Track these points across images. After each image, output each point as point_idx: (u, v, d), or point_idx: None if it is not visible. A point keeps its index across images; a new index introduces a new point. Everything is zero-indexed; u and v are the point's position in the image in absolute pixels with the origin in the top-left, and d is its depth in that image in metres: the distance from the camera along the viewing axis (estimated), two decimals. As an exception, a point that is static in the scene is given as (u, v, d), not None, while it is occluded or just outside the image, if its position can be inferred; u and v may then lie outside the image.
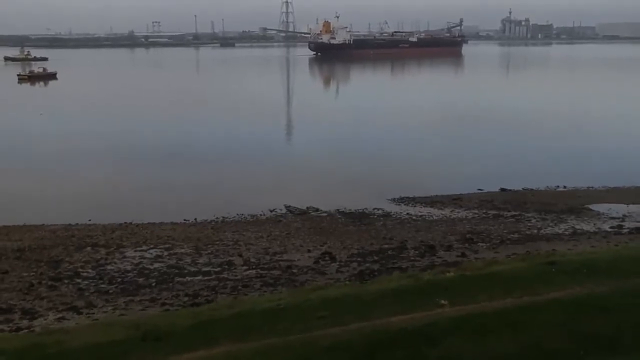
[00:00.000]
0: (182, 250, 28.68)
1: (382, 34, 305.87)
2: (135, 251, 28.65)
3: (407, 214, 35.96)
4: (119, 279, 24.96)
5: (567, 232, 31.24)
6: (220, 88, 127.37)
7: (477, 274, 18.56)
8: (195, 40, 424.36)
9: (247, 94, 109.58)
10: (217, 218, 35.04)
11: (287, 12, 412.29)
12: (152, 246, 29.37)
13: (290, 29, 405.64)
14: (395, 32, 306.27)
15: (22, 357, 14.08)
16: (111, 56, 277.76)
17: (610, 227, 31.96)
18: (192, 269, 26.08)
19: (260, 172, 47.43)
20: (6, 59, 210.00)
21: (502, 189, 41.15)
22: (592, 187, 41.33)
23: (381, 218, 34.99)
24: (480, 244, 29.18)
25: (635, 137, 61.88)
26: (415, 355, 12.94)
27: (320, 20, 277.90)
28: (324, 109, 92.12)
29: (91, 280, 24.81)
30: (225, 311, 16.78)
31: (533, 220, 33.85)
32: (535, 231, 31.69)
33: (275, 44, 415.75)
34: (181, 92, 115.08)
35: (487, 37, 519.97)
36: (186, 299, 22.26)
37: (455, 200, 38.49)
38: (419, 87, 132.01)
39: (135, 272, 25.85)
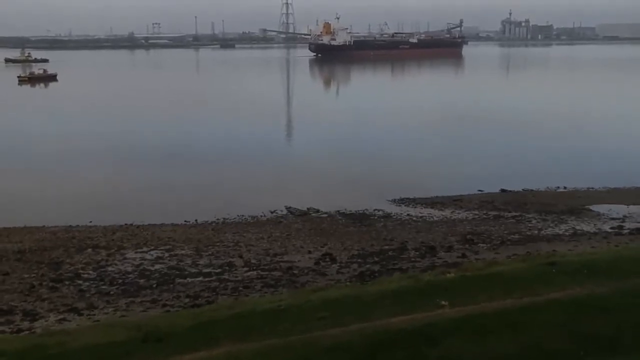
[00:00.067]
0: (183, 252, 28.70)
1: (382, 35, 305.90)
2: (136, 253, 28.66)
3: (408, 214, 35.97)
4: (120, 281, 24.99)
5: (567, 233, 31.25)
6: (220, 89, 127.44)
7: (478, 274, 18.59)
8: (195, 42, 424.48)
9: (247, 94, 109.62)
10: (217, 219, 35.06)
11: (287, 14, 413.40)
12: (152, 247, 29.40)
13: (290, 30, 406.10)
14: (396, 33, 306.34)
15: (23, 358, 14.11)
16: (111, 57, 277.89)
17: (611, 228, 31.97)
18: (193, 270, 26.10)
19: (261, 173, 47.46)
20: (7, 60, 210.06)
21: (503, 190, 41.16)
22: (592, 188, 41.34)
23: (382, 219, 35.00)
24: (481, 245, 29.20)
25: (635, 137, 61.91)
26: (415, 355, 12.96)
27: (321, 22, 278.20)
28: (324, 109, 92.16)
29: (92, 282, 24.84)
30: (226, 312, 16.81)
31: (533, 221, 33.86)
32: (536, 232, 31.70)
33: (275, 45, 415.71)
34: (181, 92, 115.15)
35: (487, 38, 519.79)
36: (187, 300, 22.29)
37: (456, 201, 38.51)
38: (419, 88, 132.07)
39: (136, 273, 25.88)
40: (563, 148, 56.10)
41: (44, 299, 22.75)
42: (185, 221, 34.64)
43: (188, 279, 25.03)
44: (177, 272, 25.84)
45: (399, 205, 38.11)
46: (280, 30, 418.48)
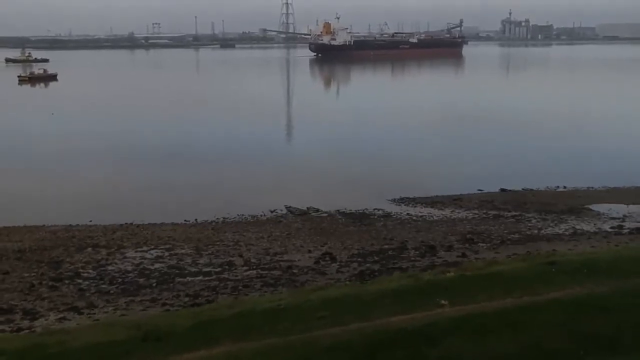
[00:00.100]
0: (183, 251, 28.71)
1: (382, 35, 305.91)
2: (136, 252, 28.68)
3: (408, 214, 35.98)
4: (120, 280, 25.00)
5: (567, 233, 31.26)
6: (220, 88, 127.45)
7: (478, 274, 18.58)
8: (195, 42, 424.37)
9: (247, 94, 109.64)
10: (217, 218, 35.07)
11: (287, 13, 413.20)
12: (152, 247, 29.41)
13: (290, 30, 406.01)
14: (396, 33, 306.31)
15: (23, 357, 14.10)
16: (111, 57, 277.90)
17: (611, 227, 31.98)
18: (193, 270, 26.11)
19: (261, 173, 47.47)
20: (7, 60, 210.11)
21: (502, 190, 41.17)
22: (592, 188, 41.36)
23: (381, 218, 35.01)
24: (481, 244, 29.20)
25: (635, 137, 61.92)
26: (415, 355, 12.95)
27: (321, 22, 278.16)
28: (325, 109, 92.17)
29: (92, 281, 24.85)
30: (226, 311, 16.81)
31: (533, 221, 33.87)
32: (536, 231, 31.71)
33: (276, 45, 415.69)
34: (181, 92, 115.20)
35: (487, 38, 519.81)
36: (187, 299, 22.30)
37: (456, 201, 38.52)
38: (419, 88, 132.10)
39: (136, 272, 25.89)
40: (563, 148, 56.11)
41: (44, 298, 22.76)
42: (185, 220, 34.65)
43: (188, 278, 25.03)
44: (177, 271, 25.84)
45: (399, 205, 38.12)
46: (280, 30, 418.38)
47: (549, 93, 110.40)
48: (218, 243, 29.98)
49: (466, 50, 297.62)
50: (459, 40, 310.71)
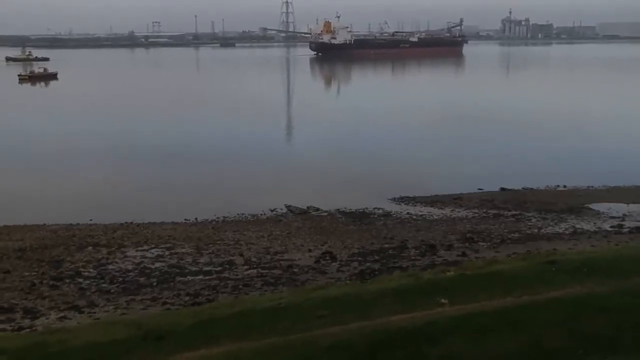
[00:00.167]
0: (183, 250, 28.74)
1: (382, 34, 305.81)
2: (137, 251, 28.71)
3: (408, 213, 36.01)
4: (120, 279, 25.03)
5: (567, 232, 31.29)
6: (221, 88, 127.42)
7: (478, 273, 18.60)
8: (195, 40, 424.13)
9: (247, 94, 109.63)
10: (217, 218, 35.10)
11: (287, 12, 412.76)
12: (153, 246, 29.43)
13: (291, 29, 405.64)
14: (396, 32, 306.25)
15: (24, 356, 14.13)
16: (111, 56, 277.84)
17: (611, 227, 32.01)
18: (193, 269, 26.14)
19: (261, 172, 47.48)
20: (8, 59, 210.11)
21: (503, 189, 41.19)
22: (592, 187, 41.38)
23: (382, 217, 35.04)
24: (481, 243, 29.23)
25: (635, 137, 61.93)
26: (415, 354, 12.96)
27: (321, 20, 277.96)
28: (325, 108, 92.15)
29: (92, 280, 24.88)
30: (226, 310, 16.83)
31: (533, 220, 33.90)
32: (536, 230, 31.74)
33: (276, 44, 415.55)
34: (181, 92, 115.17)
35: (487, 37, 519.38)
36: (187, 298, 22.33)
37: (456, 200, 38.55)
38: (419, 87, 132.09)
39: (136, 271, 25.92)
40: (563, 147, 56.11)
41: (45, 297, 22.79)
42: (185, 220, 34.68)
43: (188, 277, 25.06)
44: (178, 271, 25.87)
45: (399, 204, 38.14)
46: (281, 29, 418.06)
47: (549, 93, 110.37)
48: (218, 242, 30.01)
49: (466, 49, 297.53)
50: (459, 39, 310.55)
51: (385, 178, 44.64)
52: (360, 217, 35.04)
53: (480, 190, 40.63)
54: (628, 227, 31.72)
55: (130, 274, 25.65)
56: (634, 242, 27.69)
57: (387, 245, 29.09)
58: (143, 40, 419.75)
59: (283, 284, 23.69)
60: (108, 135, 65.15)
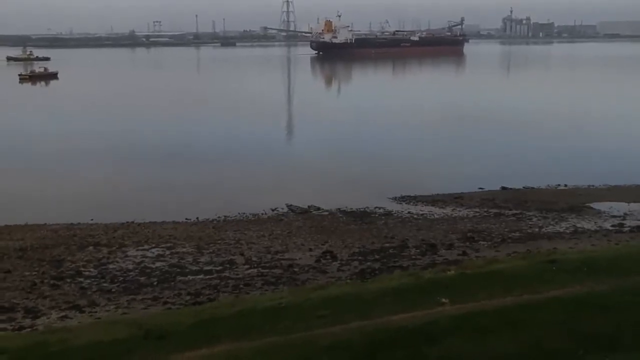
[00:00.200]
0: (184, 250, 28.76)
1: (383, 33, 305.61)
2: (137, 250, 28.73)
3: (409, 212, 36.01)
4: (121, 278, 25.05)
5: (568, 231, 31.29)
6: (221, 87, 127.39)
7: (478, 272, 18.62)
8: (196, 40, 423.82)
9: (248, 93, 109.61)
10: (218, 217, 35.12)
11: (288, 12, 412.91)
12: (153, 245, 29.45)
13: (291, 28, 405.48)
14: (397, 31, 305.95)
15: (25, 355, 14.15)
16: (112, 56, 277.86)
17: (611, 226, 32.00)
18: (194, 268, 26.17)
19: (261, 172, 47.49)
20: (8, 58, 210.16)
21: (503, 188, 41.19)
22: (592, 186, 41.37)
23: (382, 217, 35.04)
24: (482, 243, 29.24)
25: (635, 136, 61.89)
26: (415, 353, 12.97)
27: (321, 20, 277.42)
28: (326, 108, 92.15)
29: (93, 279, 24.91)
30: (227, 310, 16.85)
31: (534, 219, 33.90)
32: (537, 229, 31.74)
33: (277, 43, 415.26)
34: (182, 91, 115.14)
35: (488, 36, 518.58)
36: (188, 297, 22.35)
37: (457, 199, 38.54)
38: (420, 87, 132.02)
39: (137, 271, 25.94)
40: (564, 147, 56.08)
41: (46, 296, 22.82)
42: (186, 219, 34.70)
43: (189, 276, 25.09)
44: (178, 270, 25.89)
45: (400, 203, 38.15)
46: (281, 28, 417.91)
47: (550, 92, 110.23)
48: (219, 242, 30.03)
49: (467, 48, 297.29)
50: (460, 38, 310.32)
51: (386, 177, 44.65)
52: (361, 217, 35.05)
53: (481, 190, 40.64)
54: (629, 226, 31.72)
55: (131, 273, 25.68)
56: (634, 241, 27.68)
57: (387, 245, 29.10)
58: (144, 39, 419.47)
59: (284, 283, 23.71)
60: (108, 135, 65.16)
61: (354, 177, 45.06)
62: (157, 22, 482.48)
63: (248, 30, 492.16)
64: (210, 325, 15.33)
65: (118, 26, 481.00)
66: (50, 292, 23.22)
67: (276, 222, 34.26)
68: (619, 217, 33.88)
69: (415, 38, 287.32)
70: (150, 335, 14.66)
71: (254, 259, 27.26)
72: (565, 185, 41.79)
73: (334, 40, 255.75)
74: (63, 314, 20.92)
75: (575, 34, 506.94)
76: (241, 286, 23.52)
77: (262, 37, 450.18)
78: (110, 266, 26.58)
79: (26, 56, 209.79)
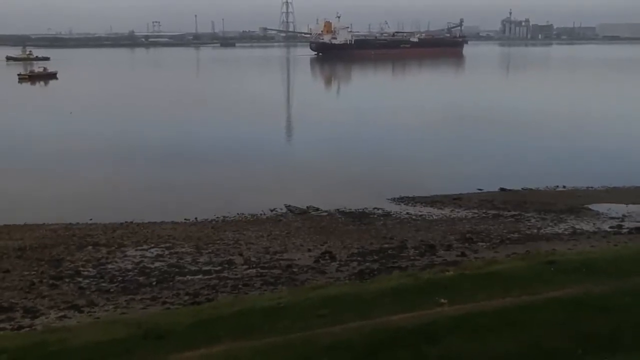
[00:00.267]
0: (183, 250, 28.76)
1: (382, 34, 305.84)
2: (136, 250, 28.73)
3: (407, 213, 36.03)
4: (120, 278, 25.04)
5: (566, 232, 31.31)
6: (221, 88, 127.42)
7: (477, 273, 18.62)
8: (195, 40, 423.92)
9: (247, 93, 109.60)
10: (217, 217, 35.12)
11: (287, 12, 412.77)
12: (152, 245, 29.45)
13: (291, 29, 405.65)
14: (396, 32, 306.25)
15: (24, 355, 14.14)
16: (111, 56, 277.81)
17: (610, 227, 32.03)
18: (193, 268, 26.16)
19: (261, 172, 47.50)
20: (8, 58, 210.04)
21: (502, 189, 41.22)
22: (591, 187, 41.40)
23: (381, 217, 35.06)
24: (480, 244, 29.25)
25: (635, 137, 61.95)
26: (415, 354, 12.98)
27: (321, 21, 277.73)
28: (325, 108, 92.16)
29: (92, 279, 24.90)
30: (226, 310, 16.84)
31: (533, 220, 33.92)
32: (535, 231, 31.76)
33: (276, 44, 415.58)
34: (181, 92, 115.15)
35: (488, 38, 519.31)
36: (187, 297, 22.34)
37: (455, 200, 38.56)
38: (419, 88, 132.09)
39: (136, 271, 25.93)
40: (563, 148, 56.16)
41: (45, 296, 22.81)
42: (185, 219, 34.70)
43: (188, 276, 25.08)
44: (177, 270, 25.89)
45: (399, 204, 38.16)
46: (281, 29, 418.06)
47: (549, 93, 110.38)
48: (218, 242, 30.03)
49: (466, 49, 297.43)
50: (460, 39, 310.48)
51: (385, 178, 44.67)
52: (360, 217, 35.06)
53: (479, 191, 40.66)
54: (627, 228, 31.74)
55: (130, 273, 25.67)
56: (633, 242, 27.71)
57: (386, 245, 29.11)
58: (143, 39, 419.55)
59: (282, 283, 23.70)
60: (108, 135, 65.14)
61: (352, 177, 45.09)
62: (156, 22, 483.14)
63: (247, 30, 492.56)
64: (209, 325, 15.32)
65: (117, 26, 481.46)
66: (49, 292, 23.20)
67: (275, 222, 34.26)
68: (618, 218, 33.90)
69: (415, 39, 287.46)
70: (149, 335, 14.65)
71: (252, 259, 27.27)
72: (564, 187, 41.82)
73: (334, 41, 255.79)
74: (62, 313, 20.91)
75: (574, 36, 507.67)
76: (240, 286, 23.52)
77: (261, 38, 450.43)
78: (109, 266, 26.57)
79: (26, 56, 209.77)
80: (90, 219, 34.32)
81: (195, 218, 34.90)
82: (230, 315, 16.11)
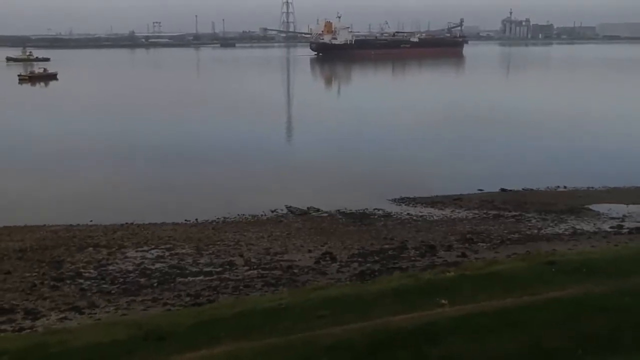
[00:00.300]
0: (184, 251, 28.77)
1: (383, 34, 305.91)
2: (137, 251, 28.73)
3: (408, 214, 36.03)
4: (121, 279, 25.05)
5: (567, 232, 31.31)
6: (221, 88, 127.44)
7: (477, 273, 18.63)
8: (195, 41, 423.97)
9: (247, 94, 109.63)
10: (218, 218, 35.12)
11: (287, 12, 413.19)
12: (153, 246, 29.46)
13: (291, 29, 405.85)
14: (397, 32, 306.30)
15: (25, 356, 14.15)
16: (112, 56, 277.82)
17: (610, 227, 32.03)
18: (194, 269, 26.17)
19: (261, 173, 47.52)
20: (8, 59, 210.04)
21: (503, 189, 41.22)
22: (592, 188, 41.40)
23: (382, 218, 35.06)
24: (481, 244, 29.26)
25: (635, 137, 61.95)
26: (415, 354, 13.00)
27: (321, 21, 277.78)
28: (325, 109, 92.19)
29: (93, 281, 24.91)
30: (227, 311, 16.86)
31: (533, 221, 33.92)
32: (536, 231, 31.76)
33: (276, 44, 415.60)
34: (181, 92, 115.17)
35: (488, 38, 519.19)
36: (188, 299, 22.36)
37: (456, 201, 38.57)
38: (420, 88, 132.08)
39: (137, 272, 25.94)
40: (563, 148, 56.17)
41: (45, 297, 22.82)
42: (185, 220, 34.70)
43: (189, 277, 25.09)
44: (178, 271, 25.90)
45: (399, 205, 38.17)
46: (281, 29, 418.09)
47: (549, 93, 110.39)
48: (219, 243, 30.04)
49: (467, 49, 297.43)
50: (460, 39, 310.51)
51: (385, 178, 44.68)
52: (361, 218, 35.06)
53: (480, 191, 40.66)
54: (627, 228, 31.74)
55: (131, 274, 25.68)
56: (633, 242, 27.71)
57: (387, 246, 29.11)
58: (143, 40, 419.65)
59: (283, 284, 23.71)
60: (108, 135, 65.19)
61: (353, 178, 45.10)
62: (156, 22, 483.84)
63: (247, 31, 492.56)
64: (210, 326, 15.34)
65: (118, 27, 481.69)
66: (50, 294, 23.21)
67: (275, 223, 34.26)
68: (618, 218, 33.90)
69: (415, 39, 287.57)
70: (150, 337, 14.67)
71: (253, 260, 27.28)
72: (565, 187, 41.82)
73: (334, 42, 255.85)
74: (63, 315, 20.92)
75: (574, 35, 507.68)
76: (241, 287, 23.54)
77: (261, 38, 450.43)
78: (110, 267, 26.58)
79: (26, 57, 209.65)
80: (91, 220, 34.32)
81: (196, 219, 34.91)
82: (231, 317, 16.13)
